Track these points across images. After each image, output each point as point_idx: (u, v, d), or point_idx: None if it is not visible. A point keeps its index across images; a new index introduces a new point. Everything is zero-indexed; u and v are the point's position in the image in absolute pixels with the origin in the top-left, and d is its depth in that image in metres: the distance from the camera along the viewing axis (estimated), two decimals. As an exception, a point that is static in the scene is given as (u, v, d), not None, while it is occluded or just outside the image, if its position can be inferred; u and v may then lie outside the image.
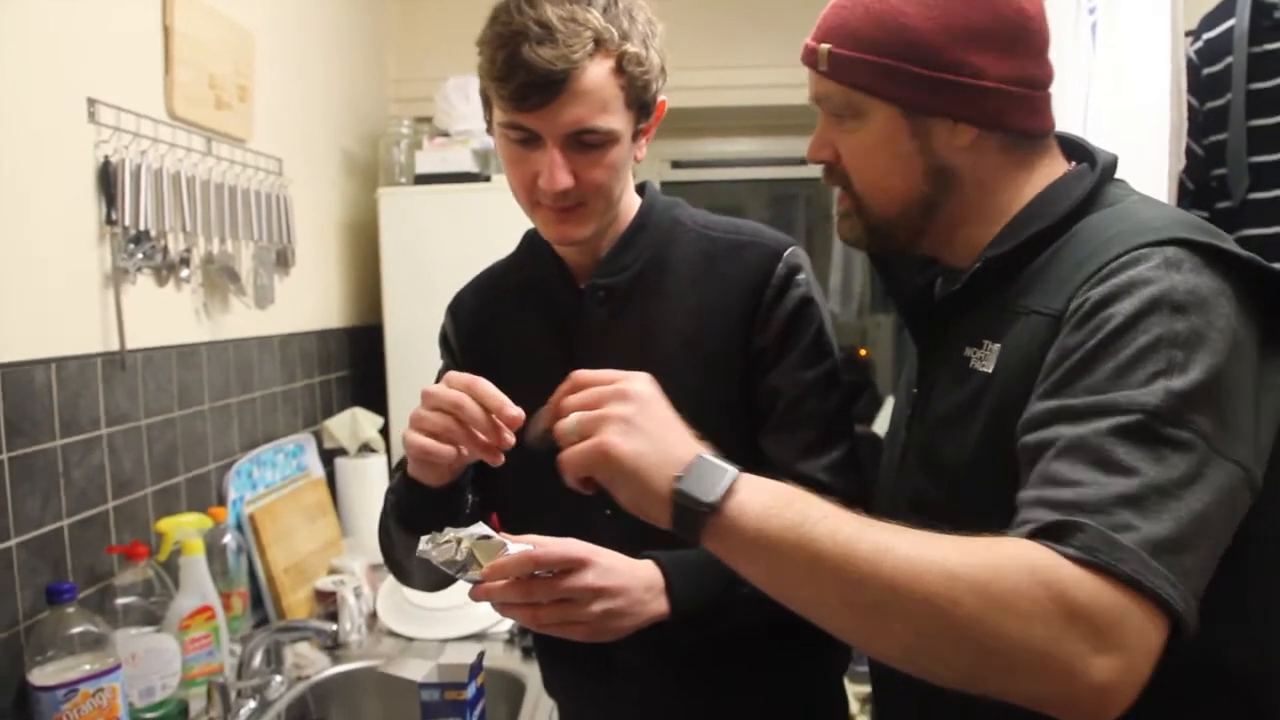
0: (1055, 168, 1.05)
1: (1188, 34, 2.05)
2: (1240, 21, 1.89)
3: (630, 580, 1.03)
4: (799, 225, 5.05)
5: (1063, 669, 0.74)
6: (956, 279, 1.04)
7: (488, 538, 0.96)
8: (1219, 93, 1.98)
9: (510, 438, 1.05)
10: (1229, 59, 1.93)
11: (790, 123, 3.83)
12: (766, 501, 0.83)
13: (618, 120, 1.13)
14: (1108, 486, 0.78)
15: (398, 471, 1.21)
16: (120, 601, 1.66)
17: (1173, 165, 1.89)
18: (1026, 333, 0.93)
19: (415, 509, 1.16)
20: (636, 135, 1.18)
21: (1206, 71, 2.03)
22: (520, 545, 0.97)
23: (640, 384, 0.89)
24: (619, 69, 1.11)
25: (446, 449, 1.06)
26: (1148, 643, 0.75)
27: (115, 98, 1.76)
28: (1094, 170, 1.02)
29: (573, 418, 0.89)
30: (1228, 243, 0.88)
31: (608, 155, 1.14)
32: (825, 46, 1.03)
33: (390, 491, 1.22)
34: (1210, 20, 2.05)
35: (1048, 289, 0.93)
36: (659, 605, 1.05)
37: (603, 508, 1.21)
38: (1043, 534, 0.78)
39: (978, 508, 0.88)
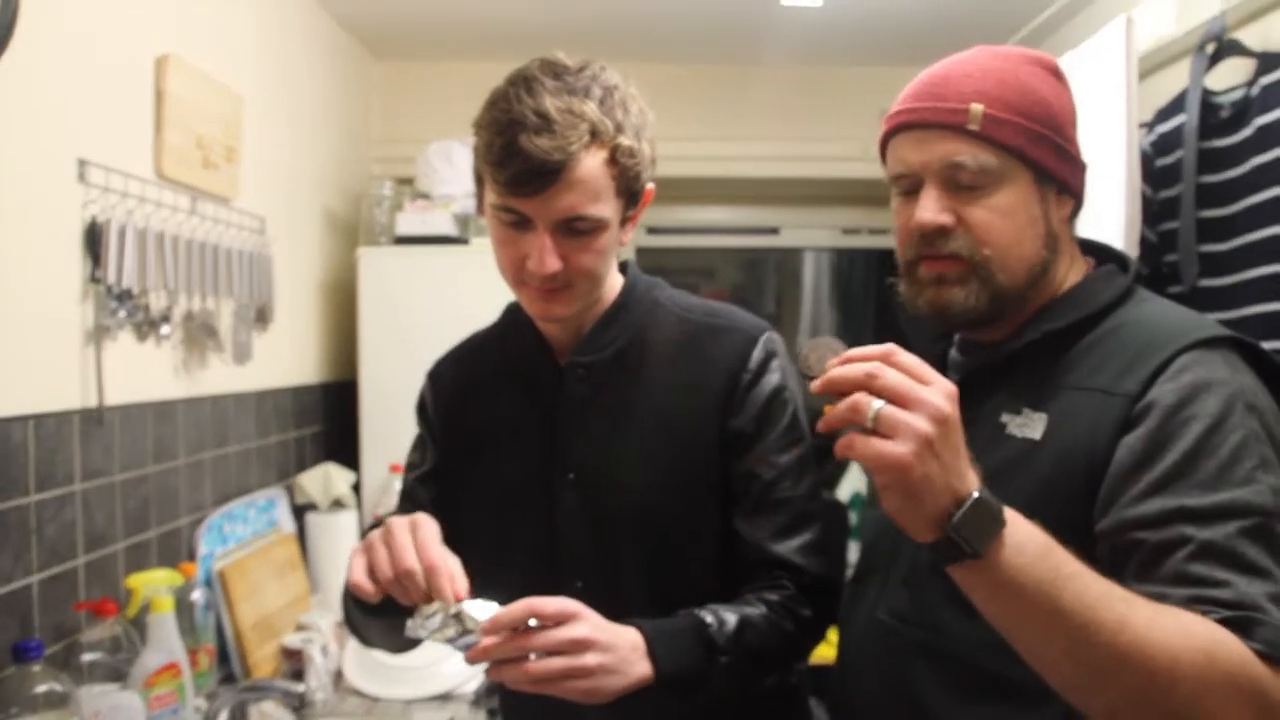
0: (1083, 262, 1.15)
1: (1142, 126, 2.15)
2: (1190, 118, 1.98)
3: (619, 638, 1.06)
4: (769, 289, 5.13)
5: None
6: (985, 349, 1.11)
7: (478, 604, 1.00)
8: (1171, 183, 2.07)
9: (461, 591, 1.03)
10: (1180, 152, 2.02)
11: (762, 194, 3.93)
12: (1027, 558, 0.84)
13: (608, 209, 1.17)
14: (1254, 585, 0.87)
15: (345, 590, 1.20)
16: (86, 658, 1.66)
17: (1128, 252, 1.97)
18: (1089, 408, 0.99)
19: (367, 610, 1.17)
20: (624, 221, 1.22)
21: (1160, 163, 2.12)
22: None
23: (950, 404, 0.84)
24: (612, 160, 1.15)
25: (384, 592, 1.05)
26: None
27: (105, 158, 1.80)
28: (1126, 271, 1.12)
29: (878, 403, 0.83)
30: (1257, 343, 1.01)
31: (596, 241, 1.17)
32: (979, 106, 1.04)
33: (345, 591, 1.20)
34: (1163, 114, 2.14)
35: (1104, 370, 1.01)
36: (644, 667, 1.07)
37: (574, 580, 1.24)
38: (1226, 624, 0.85)
39: None
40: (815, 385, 0.87)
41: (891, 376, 0.83)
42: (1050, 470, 0.99)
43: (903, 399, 0.83)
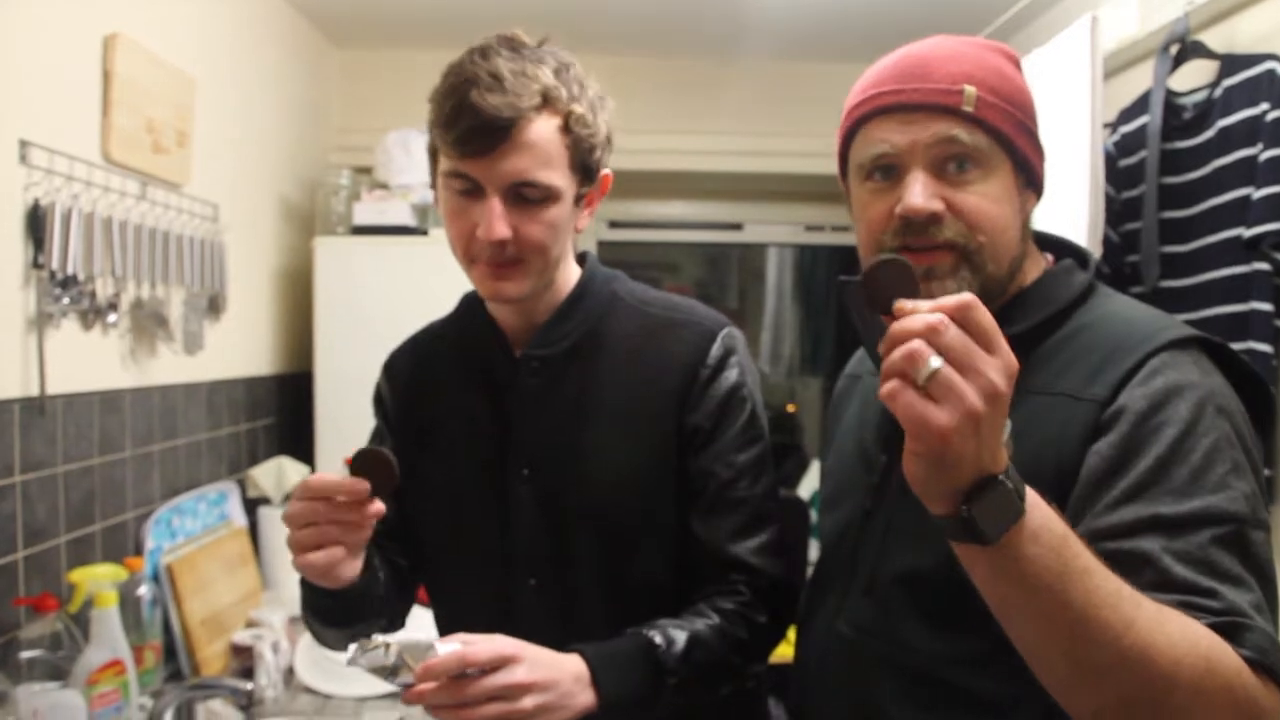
0: (1040, 257, 1.10)
1: (1106, 126, 2.16)
2: (1154, 119, 1.99)
3: (559, 673, 1.04)
4: (732, 285, 5.13)
5: None
6: None
7: (416, 640, 0.97)
8: (1134, 183, 2.08)
9: (375, 508, 1.06)
10: (1143, 153, 2.03)
11: (725, 189, 3.91)
12: (1040, 548, 0.80)
13: (560, 178, 1.14)
14: (1237, 594, 0.85)
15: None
16: (25, 655, 1.61)
17: (1091, 251, 1.98)
18: (1056, 414, 0.96)
19: (326, 611, 1.19)
20: (579, 200, 1.19)
21: (1123, 163, 2.13)
22: (449, 645, 0.98)
23: (1007, 383, 0.77)
24: (565, 128, 1.13)
25: (331, 554, 1.06)
26: None
27: (49, 140, 1.74)
28: (1085, 267, 1.08)
29: (936, 362, 0.76)
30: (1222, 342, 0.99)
31: (548, 212, 1.14)
32: (972, 88, 0.98)
33: (301, 585, 1.19)
34: (1127, 115, 2.15)
35: (1072, 374, 0.97)
36: (586, 697, 1.05)
37: (527, 577, 1.22)
38: (1215, 630, 0.83)
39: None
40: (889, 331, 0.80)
41: (954, 336, 0.76)
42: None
43: (961, 364, 0.76)
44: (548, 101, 1.12)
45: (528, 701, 1.00)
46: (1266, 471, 1.73)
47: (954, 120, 0.99)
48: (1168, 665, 0.80)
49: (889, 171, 1.02)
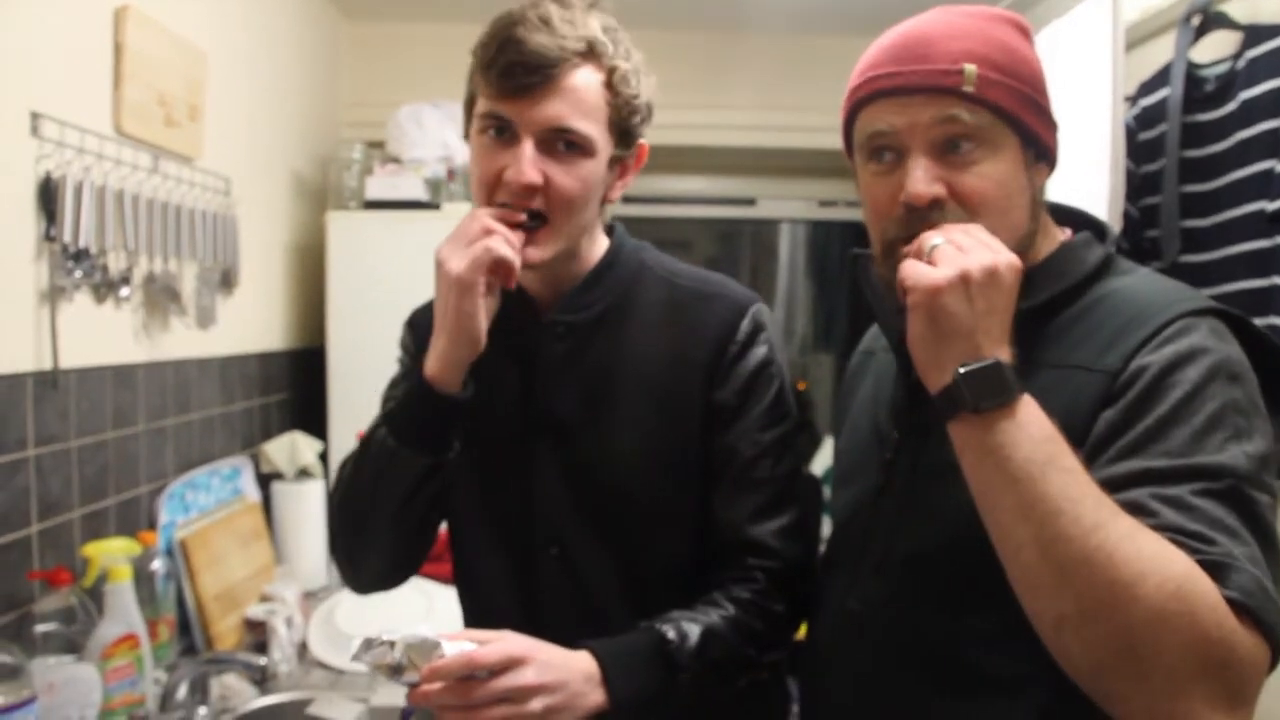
0: (1056, 230, 1.09)
1: (1126, 99, 2.13)
2: (1174, 91, 1.96)
3: (568, 674, 1.03)
4: (744, 261, 5.10)
5: (1184, 708, 0.79)
6: None
7: (423, 639, 0.96)
8: (1154, 157, 2.05)
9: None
10: (1164, 126, 2.00)
11: (738, 164, 3.88)
12: (1026, 434, 0.86)
13: (598, 131, 1.12)
14: (1229, 543, 0.83)
15: (392, 404, 1.19)
16: (40, 629, 1.61)
17: (1111, 226, 1.95)
18: (1068, 386, 0.95)
19: (422, 422, 1.14)
20: (613, 165, 1.17)
21: (1143, 136, 2.10)
22: (457, 645, 0.97)
23: (1004, 267, 0.89)
24: (609, 83, 1.12)
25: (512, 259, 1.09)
26: (1258, 689, 0.82)
27: (61, 112, 1.72)
28: (1103, 240, 1.06)
29: (938, 238, 0.92)
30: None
31: (582, 165, 1.12)
32: (973, 67, 0.96)
33: (385, 415, 1.18)
34: (1147, 87, 2.12)
35: (1087, 346, 0.96)
36: (597, 696, 1.04)
37: (549, 546, 1.21)
38: (1201, 565, 0.81)
39: (990, 559, 0.90)
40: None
41: (958, 230, 0.92)
42: None
43: (960, 244, 0.90)
44: (593, 52, 1.11)
45: (536, 704, 0.99)
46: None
47: (954, 100, 0.97)
48: (1130, 575, 0.79)
49: (890, 154, 1.01)
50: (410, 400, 1.14)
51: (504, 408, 1.24)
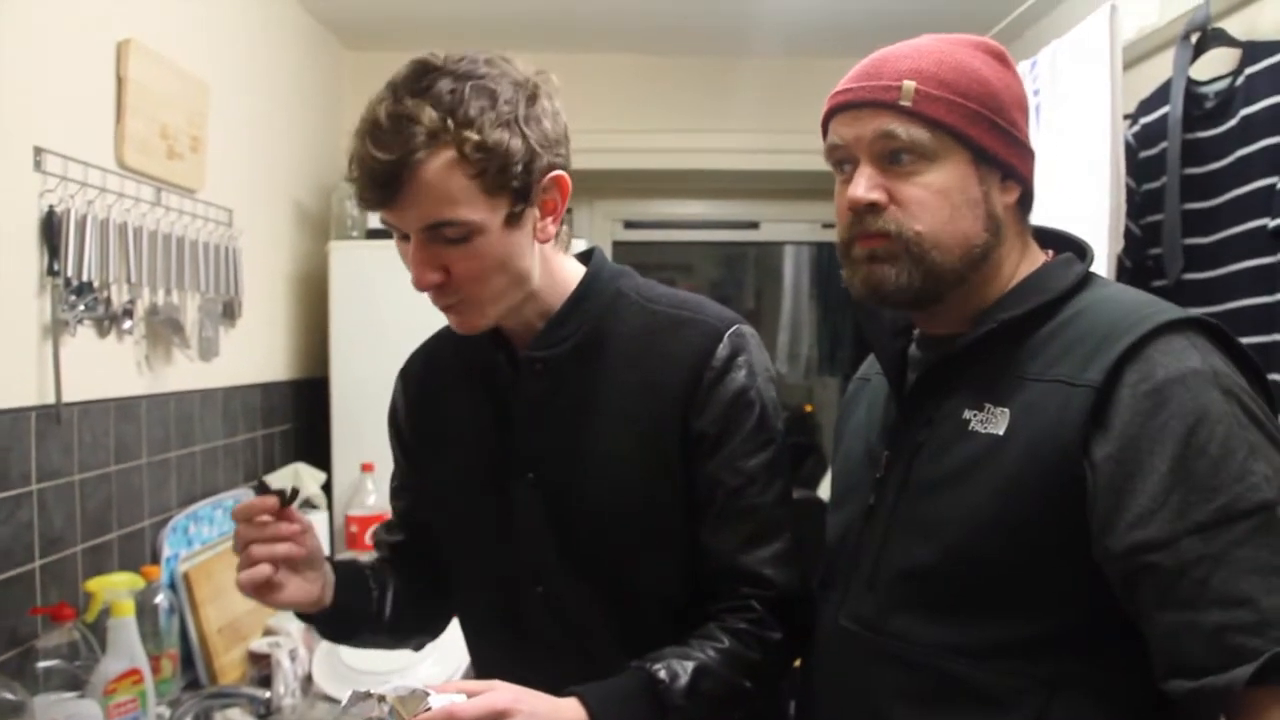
0: (1038, 252, 1.11)
1: (1126, 117, 2.13)
2: (1174, 109, 1.96)
3: None
4: (749, 285, 5.10)
5: None
6: (943, 343, 1.08)
7: (411, 690, 0.97)
8: (1155, 175, 2.05)
9: (289, 528, 1.12)
10: (1164, 143, 2.00)
11: (741, 187, 3.89)
12: None
13: (474, 211, 1.07)
14: (1274, 595, 0.85)
15: None
16: (42, 665, 1.60)
17: (1112, 245, 1.95)
18: (1053, 400, 0.96)
19: (320, 627, 1.26)
20: (516, 218, 1.10)
21: (1144, 154, 2.10)
22: (444, 696, 0.97)
23: None
24: (462, 158, 1.05)
25: (254, 573, 1.11)
26: None
27: (64, 147, 1.73)
28: (1083, 259, 1.09)
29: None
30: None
31: (473, 247, 1.08)
32: (910, 82, 1.02)
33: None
34: (1147, 105, 2.12)
35: (1065, 360, 0.97)
36: None
37: (534, 584, 1.20)
38: (1267, 672, 0.83)
39: (982, 573, 0.95)
40: None
41: None
42: (1019, 465, 0.96)
43: None
44: (434, 138, 1.04)
45: None
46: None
47: (892, 115, 1.03)
48: None
49: (849, 164, 1.07)
50: (302, 615, 1.23)
51: (482, 446, 1.24)
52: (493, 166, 1.06)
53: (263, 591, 1.11)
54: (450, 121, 1.04)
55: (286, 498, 1.14)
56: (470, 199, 1.06)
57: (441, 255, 1.09)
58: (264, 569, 1.10)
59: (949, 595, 1.00)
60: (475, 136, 1.05)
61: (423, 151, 1.04)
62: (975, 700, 0.97)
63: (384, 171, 1.04)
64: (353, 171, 1.09)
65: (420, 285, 1.10)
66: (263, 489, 1.15)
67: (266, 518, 1.12)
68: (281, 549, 1.11)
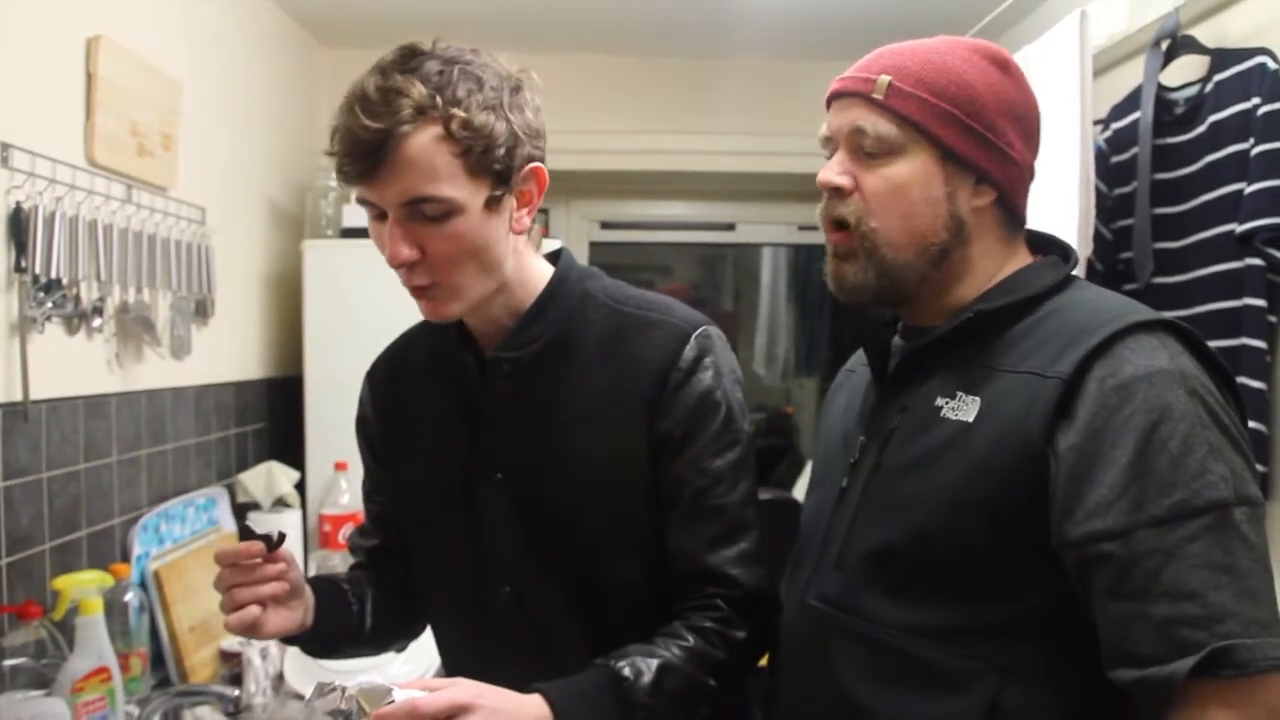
0: (1027, 256, 1.13)
1: (1097, 123, 2.15)
2: (1145, 115, 1.98)
3: (518, 719, 1.01)
4: (726, 285, 5.11)
5: None
6: (925, 333, 1.09)
7: (375, 686, 0.98)
8: (1126, 180, 2.07)
9: (275, 569, 1.13)
10: (1135, 149, 2.02)
11: (718, 189, 3.90)
12: None
13: (456, 189, 1.07)
14: (1222, 591, 0.87)
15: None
16: (8, 663, 1.59)
17: (1081, 249, 1.96)
18: (1022, 391, 0.98)
19: (305, 647, 1.27)
20: (495, 203, 1.11)
21: (1115, 159, 2.12)
22: (408, 692, 0.98)
23: None
24: (448, 135, 1.06)
25: (243, 615, 1.11)
26: None
27: (32, 143, 1.72)
28: (1067, 262, 1.12)
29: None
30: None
31: (451, 226, 1.08)
32: (886, 77, 1.06)
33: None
34: (1118, 111, 2.14)
35: (1038, 354, 0.99)
36: None
37: (502, 585, 1.21)
38: (1208, 664, 0.86)
39: (945, 555, 0.98)
40: None
41: None
42: (984, 452, 0.98)
43: None
44: (421, 113, 1.05)
45: None
46: (1262, 468, 1.73)
47: (866, 107, 1.07)
48: None
49: (831, 152, 1.12)
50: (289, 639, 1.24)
51: (451, 447, 1.24)
52: (477, 146, 1.08)
53: (250, 630, 1.12)
54: (439, 99, 1.06)
55: (274, 542, 1.13)
56: (453, 176, 1.07)
57: (418, 233, 1.09)
58: (253, 610, 1.10)
59: (913, 576, 1.02)
60: (462, 114, 1.07)
61: (409, 125, 1.05)
62: (932, 679, 0.99)
63: (369, 141, 1.05)
64: (335, 144, 1.09)
65: (394, 260, 1.09)
66: (248, 533, 1.14)
67: (253, 560, 1.12)
68: (267, 590, 1.12)
